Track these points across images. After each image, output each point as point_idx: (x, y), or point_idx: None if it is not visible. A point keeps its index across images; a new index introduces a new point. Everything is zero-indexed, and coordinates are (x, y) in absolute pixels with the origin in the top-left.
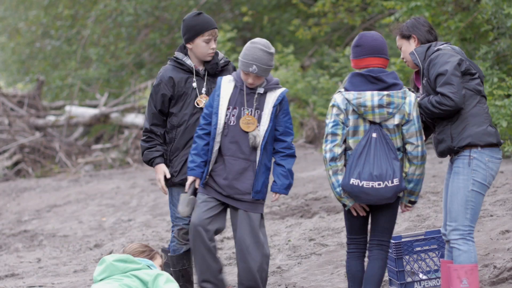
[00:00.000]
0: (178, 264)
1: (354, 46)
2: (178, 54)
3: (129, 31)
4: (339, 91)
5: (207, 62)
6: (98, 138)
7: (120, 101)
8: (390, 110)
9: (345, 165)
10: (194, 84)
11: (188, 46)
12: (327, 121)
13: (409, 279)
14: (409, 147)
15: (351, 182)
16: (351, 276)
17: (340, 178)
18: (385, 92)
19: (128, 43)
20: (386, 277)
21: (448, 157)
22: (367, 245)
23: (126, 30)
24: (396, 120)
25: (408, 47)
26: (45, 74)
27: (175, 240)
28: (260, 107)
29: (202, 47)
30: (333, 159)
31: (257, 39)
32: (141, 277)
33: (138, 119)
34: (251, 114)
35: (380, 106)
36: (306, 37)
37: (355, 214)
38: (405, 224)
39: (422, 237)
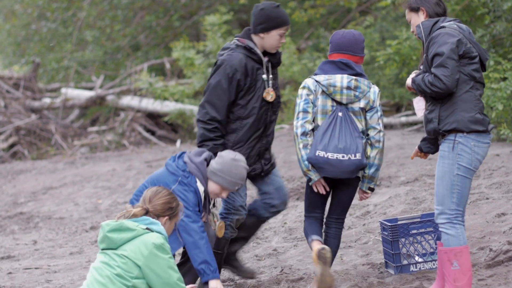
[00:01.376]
0: (222, 248)
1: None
2: (249, 42)
3: (125, 13)
4: (310, 77)
5: (271, 54)
6: (94, 120)
7: (116, 84)
8: (357, 93)
9: None
10: (264, 76)
11: (260, 35)
12: (297, 101)
13: (405, 262)
14: (371, 132)
15: (316, 154)
16: (308, 231)
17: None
18: (354, 77)
19: (124, 26)
20: (382, 259)
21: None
22: (324, 221)
23: (122, 13)
24: (361, 104)
25: (417, 20)
26: (41, 56)
27: (229, 228)
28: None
29: (275, 39)
30: (304, 133)
31: (238, 156)
32: (136, 260)
33: (134, 101)
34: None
35: (348, 88)
36: (302, 19)
37: (316, 190)
38: (401, 207)
39: (418, 219)
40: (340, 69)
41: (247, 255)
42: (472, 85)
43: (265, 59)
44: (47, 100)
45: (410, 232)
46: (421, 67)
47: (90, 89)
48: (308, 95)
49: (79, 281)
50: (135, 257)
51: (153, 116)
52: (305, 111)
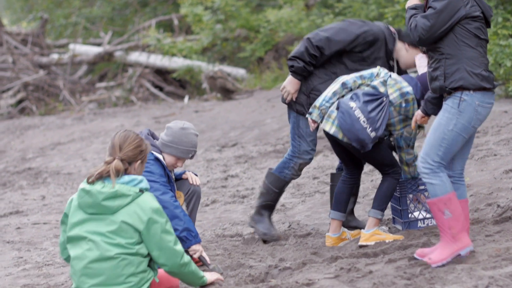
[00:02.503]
0: (280, 187)
1: None
2: None
3: None
4: None
5: None
6: (102, 76)
7: (124, 40)
8: None
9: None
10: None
11: None
12: None
13: (412, 217)
14: None
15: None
16: (334, 195)
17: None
18: None
19: None
20: (389, 215)
21: None
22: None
23: None
24: None
25: None
26: (49, 12)
27: (292, 171)
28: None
29: None
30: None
31: (186, 124)
32: (135, 225)
33: (142, 57)
34: None
35: None
36: None
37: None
38: None
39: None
40: None
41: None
42: (476, 42)
43: None
44: (55, 56)
45: (418, 188)
46: None
47: (98, 45)
48: None
49: None
50: (134, 223)
51: (161, 72)
52: None
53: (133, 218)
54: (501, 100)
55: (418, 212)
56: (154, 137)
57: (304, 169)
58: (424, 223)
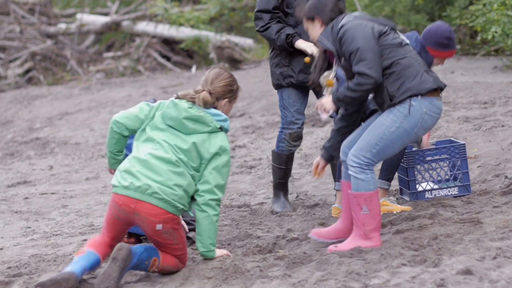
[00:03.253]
0: (282, 163)
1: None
2: None
3: None
4: None
5: None
6: (109, 46)
7: (131, 9)
8: None
9: None
10: None
11: None
12: None
13: (420, 188)
14: None
15: None
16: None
17: None
18: None
19: None
20: (396, 186)
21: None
22: None
23: None
24: None
25: (313, 29)
26: None
27: (285, 142)
28: None
29: None
30: None
31: None
32: (201, 152)
33: (150, 27)
34: None
35: None
36: None
37: None
38: None
39: (433, 146)
40: None
41: (262, 180)
42: (403, 50)
43: None
44: (62, 26)
45: (425, 159)
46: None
47: (106, 14)
48: None
49: (95, 206)
50: (202, 151)
51: (168, 42)
52: None
53: (203, 146)
54: (509, 71)
55: (425, 183)
56: None
57: (311, 139)
58: (431, 194)
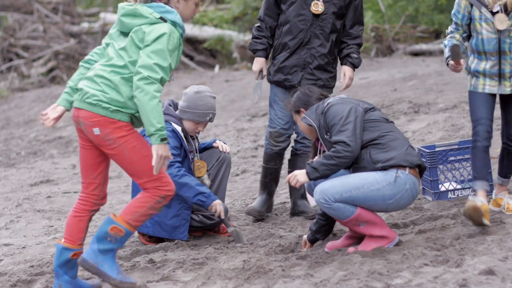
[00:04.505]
0: (265, 161)
1: None
2: None
3: None
4: None
5: None
6: None
7: None
8: None
9: None
10: None
11: None
12: None
13: (442, 188)
14: None
15: None
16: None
17: None
18: None
19: None
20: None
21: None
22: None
23: None
24: None
25: (301, 121)
26: None
27: (268, 141)
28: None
29: None
30: None
31: (201, 88)
32: (137, 43)
33: None
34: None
35: None
36: None
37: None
38: (439, 134)
39: (456, 146)
40: None
41: (284, 180)
42: (389, 125)
43: None
44: (85, 25)
45: (448, 159)
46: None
47: None
48: None
49: (117, 205)
50: (136, 40)
51: (191, 42)
52: None
53: (137, 36)
54: None
55: (448, 183)
56: (176, 107)
57: None
58: (454, 194)
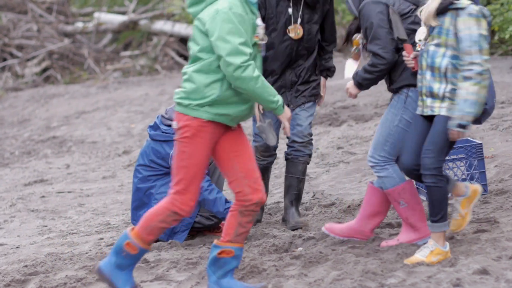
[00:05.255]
0: None
1: None
2: None
3: None
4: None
5: None
6: (127, 45)
7: (149, 8)
8: None
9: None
10: (290, 10)
11: None
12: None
13: None
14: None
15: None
16: None
17: None
18: None
19: None
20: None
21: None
22: None
23: None
24: None
25: None
26: None
27: (255, 154)
28: None
29: None
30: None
31: None
32: (201, 29)
33: (167, 26)
34: None
35: None
36: None
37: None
38: None
39: None
40: None
41: (279, 180)
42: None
43: None
44: (79, 25)
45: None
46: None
47: (123, 13)
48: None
49: (111, 204)
50: (201, 27)
51: (186, 41)
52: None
53: (201, 23)
54: None
55: None
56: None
57: (328, 139)
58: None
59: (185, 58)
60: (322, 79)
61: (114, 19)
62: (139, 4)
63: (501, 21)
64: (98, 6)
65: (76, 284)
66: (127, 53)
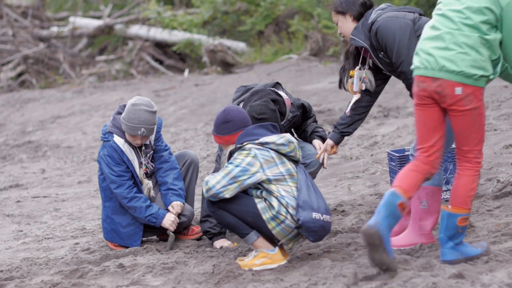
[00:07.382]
0: None
1: (222, 123)
2: None
3: None
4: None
5: None
6: (102, 49)
7: (124, 13)
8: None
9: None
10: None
11: None
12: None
13: None
14: None
15: (313, 216)
16: None
17: None
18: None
19: None
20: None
21: None
22: None
23: None
24: None
25: (344, 23)
26: None
27: None
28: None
29: None
30: None
31: (139, 100)
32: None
33: (142, 30)
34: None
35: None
36: None
37: None
38: (408, 138)
39: None
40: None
41: None
42: None
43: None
44: (55, 29)
45: None
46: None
47: (98, 18)
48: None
49: (87, 209)
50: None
51: (161, 46)
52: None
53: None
54: None
55: None
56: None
57: None
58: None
59: (161, 62)
60: (317, 142)
61: (90, 23)
62: (114, 9)
63: None
64: (73, 10)
65: None
66: (103, 57)
